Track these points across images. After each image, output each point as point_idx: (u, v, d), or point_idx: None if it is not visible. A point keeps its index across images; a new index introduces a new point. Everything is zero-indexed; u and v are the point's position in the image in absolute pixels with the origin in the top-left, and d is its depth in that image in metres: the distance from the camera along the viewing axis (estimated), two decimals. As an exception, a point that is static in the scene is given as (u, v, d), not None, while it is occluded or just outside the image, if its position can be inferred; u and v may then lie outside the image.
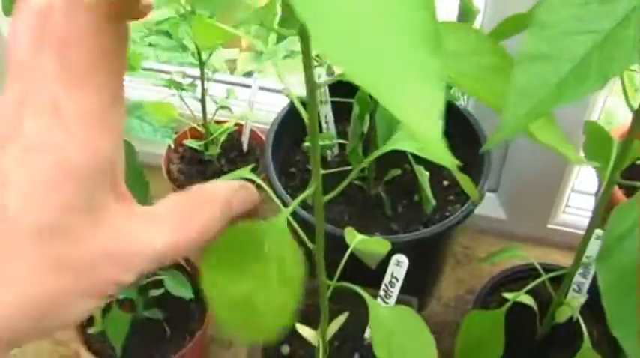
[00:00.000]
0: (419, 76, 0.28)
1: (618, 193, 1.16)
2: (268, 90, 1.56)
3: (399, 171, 1.17)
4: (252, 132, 1.43)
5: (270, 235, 0.60)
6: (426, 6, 0.28)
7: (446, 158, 0.29)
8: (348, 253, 0.85)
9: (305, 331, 0.93)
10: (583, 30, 0.48)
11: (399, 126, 0.74)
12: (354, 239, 0.87)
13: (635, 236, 0.72)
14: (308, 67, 0.51)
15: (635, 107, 0.73)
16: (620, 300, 0.73)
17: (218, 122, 1.39)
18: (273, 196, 0.73)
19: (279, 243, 0.60)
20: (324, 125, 1.18)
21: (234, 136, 1.44)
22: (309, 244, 0.72)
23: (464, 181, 0.69)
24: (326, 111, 1.16)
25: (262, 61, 2.15)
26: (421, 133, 0.27)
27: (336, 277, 0.82)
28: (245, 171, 0.88)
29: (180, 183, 1.37)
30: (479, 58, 0.49)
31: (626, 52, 0.47)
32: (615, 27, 0.48)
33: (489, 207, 1.45)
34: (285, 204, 1.01)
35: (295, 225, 0.72)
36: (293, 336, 0.97)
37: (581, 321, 0.97)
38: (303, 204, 1.10)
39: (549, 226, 1.42)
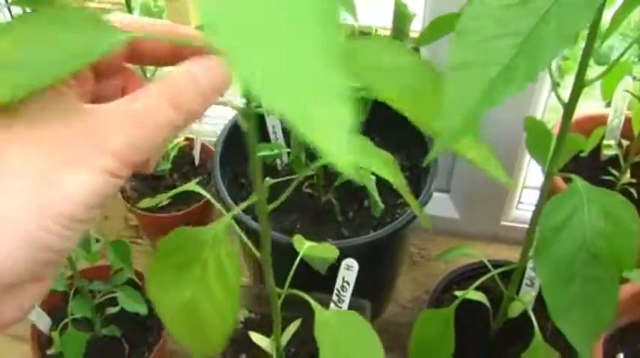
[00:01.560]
0: (322, 94, 0.27)
1: (563, 186, 1.17)
2: (216, 103, 1.56)
3: (347, 177, 1.17)
4: (204, 146, 1.43)
5: (210, 241, 0.61)
6: (328, 24, 0.28)
7: (355, 173, 0.30)
8: (298, 260, 0.87)
9: (259, 339, 0.94)
10: (506, 32, 0.49)
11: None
12: (303, 246, 0.88)
13: (571, 227, 0.74)
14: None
15: (565, 101, 0.75)
16: (560, 292, 0.75)
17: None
18: (222, 209, 0.73)
19: (219, 250, 0.61)
20: (272, 135, 1.18)
21: (185, 151, 1.45)
22: (257, 253, 0.73)
23: (399, 187, 0.70)
24: (274, 122, 1.17)
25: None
26: (329, 152, 0.26)
27: (287, 284, 0.82)
28: (192, 185, 0.89)
29: (134, 200, 1.37)
30: (405, 75, 0.49)
31: (550, 47, 0.48)
32: (536, 24, 0.49)
33: (442, 207, 1.47)
34: (236, 220, 1.02)
35: (243, 235, 0.73)
36: (250, 345, 0.98)
37: (532, 315, 0.98)
38: (254, 215, 1.11)
39: (503, 223, 1.43)
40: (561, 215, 0.74)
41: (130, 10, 1.21)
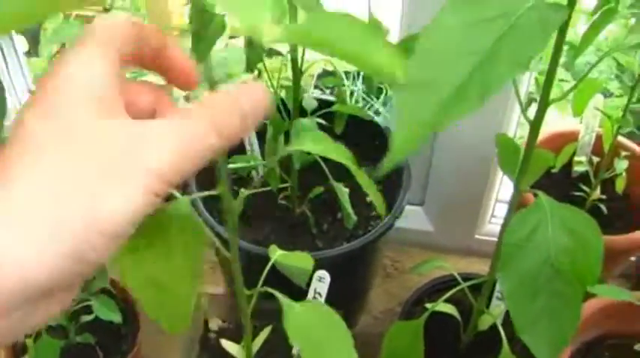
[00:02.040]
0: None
1: (532, 201, 1.19)
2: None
3: (321, 189, 1.19)
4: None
5: (174, 217, 0.62)
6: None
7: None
8: (268, 266, 0.87)
9: (230, 347, 0.95)
10: (463, 52, 0.50)
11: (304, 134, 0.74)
12: (275, 253, 0.89)
13: (535, 242, 0.75)
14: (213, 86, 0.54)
15: (531, 119, 0.77)
16: (524, 305, 0.76)
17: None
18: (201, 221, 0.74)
19: (182, 225, 0.62)
20: (247, 147, 1.19)
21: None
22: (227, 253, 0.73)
23: (368, 188, 0.70)
24: (250, 134, 1.18)
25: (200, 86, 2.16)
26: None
27: (258, 286, 0.83)
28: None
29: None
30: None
31: (504, 72, 0.50)
32: (492, 46, 0.50)
33: (417, 220, 1.48)
34: (211, 227, 1.03)
35: (215, 239, 0.74)
36: (223, 354, 0.99)
37: (501, 329, 1.00)
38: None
39: (477, 236, 1.45)
40: (525, 230, 0.75)
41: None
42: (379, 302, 1.40)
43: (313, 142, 0.67)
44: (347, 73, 1.61)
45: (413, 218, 1.47)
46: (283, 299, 0.78)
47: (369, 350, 1.27)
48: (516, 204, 0.87)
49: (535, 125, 0.77)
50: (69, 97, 0.44)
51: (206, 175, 1.16)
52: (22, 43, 1.63)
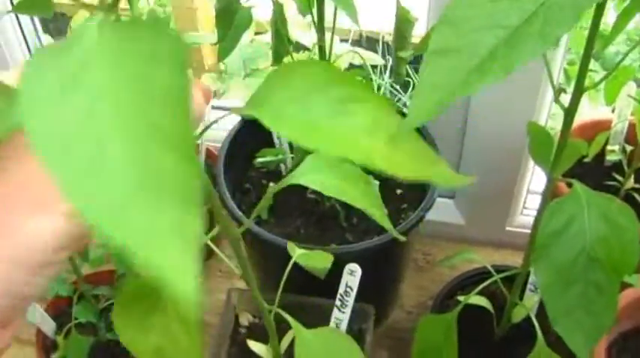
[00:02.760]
0: (171, 233, 0.26)
1: (566, 191, 1.18)
2: (223, 109, 1.57)
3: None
4: (208, 151, 1.44)
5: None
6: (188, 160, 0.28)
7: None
8: (290, 266, 0.87)
9: (257, 347, 0.95)
10: (492, 25, 0.50)
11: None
12: (295, 252, 0.89)
13: (571, 232, 0.74)
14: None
15: (566, 106, 0.76)
16: (559, 296, 0.75)
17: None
18: (226, 214, 0.73)
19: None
20: (276, 141, 1.19)
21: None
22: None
23: (376, 217, 0.69)
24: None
25: (225, 80, 2.16)
26: (177, 291, 0.25)
27: (278, 295, 0.83)
28: None
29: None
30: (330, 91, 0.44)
31: (531, 46, 0.49)
32: (523, 22, 0.50)
33: (448, 213, 1.47)
34: (239, 221, 1.03)
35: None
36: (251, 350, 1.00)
37: (535, 320, 0.99)
38: (257, 219, 1.12)
39: (508, 228, 1.44)
40: (561, 220, 0.75)
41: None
42: (411, 296, 1.39)
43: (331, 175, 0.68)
44: (374, 67, 1.61)
45: (444, 211, 1.47)
46: (295, 325, 0.80)
47: (401, 344, 1.27)
48: (550, 195, 0.86)
49: (570, 113, 0.76)
50: None
51: (234, 167, 1.18)
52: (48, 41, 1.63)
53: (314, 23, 0.98)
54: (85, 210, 0.26)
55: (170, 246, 0.26)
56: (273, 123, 0.40)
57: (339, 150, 0.39)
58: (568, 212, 0.75)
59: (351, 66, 1.64)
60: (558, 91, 0.77)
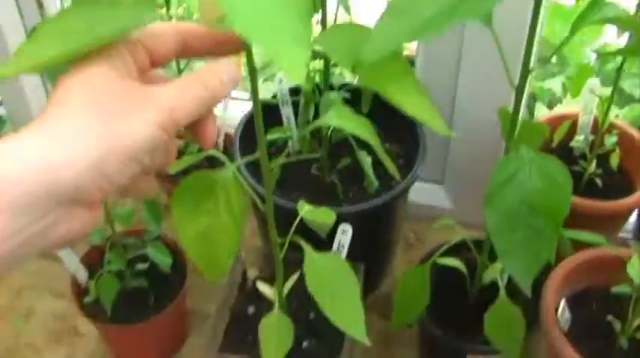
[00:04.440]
0: (294, 40, 0.45)
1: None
2: (241, 99, 1.74)
3: (349, 161, 1.34)
4: (227, 135, 1.60)
5: (221, 180, 0.78)
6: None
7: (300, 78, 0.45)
8: (298, 219, 1.00)
9: (264, 288, 1.10)
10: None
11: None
12: (304, 208, 1.02)
13: (514, 183, 0.89)
14: (253, 73, 0.69)
15: (515, 84, 0.91)
16: (506, 237, 0.89)
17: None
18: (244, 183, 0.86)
19: (227, 187, 0.78)
20: (285, 120, 1.34)
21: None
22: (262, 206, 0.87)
23: (382, 155, 0.80)
24: (287, 111, 1.33)
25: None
26: (290, 70, 0.43)
27: (289, 237, 0.96)
28: (213, 152, 1.03)
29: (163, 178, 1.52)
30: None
31: (467, 13, 0.65)
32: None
33: (437, 198, 1.63)
34: (254, 190, 1.17)
35: (250, 190, 0.87)
36: (258, 298, 1.14)
37: (499, 279, 1.14)
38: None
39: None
40: (507, 172, 0.89)
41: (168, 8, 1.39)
42: (401, 268, 1.55)
43: (338, 116, 0.81)
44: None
45: (434, 196, 1.62)
46: (307, 247, 0.90)
47: (389, 306, 1.41)
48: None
49: (519, 90, 0.92)
50: (98, 69, 0.55)
51: (248, 145, 1.33)
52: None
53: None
54: (236, 18, 0.44)
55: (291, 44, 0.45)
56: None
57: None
58: (513, 166, 0.89)
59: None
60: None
